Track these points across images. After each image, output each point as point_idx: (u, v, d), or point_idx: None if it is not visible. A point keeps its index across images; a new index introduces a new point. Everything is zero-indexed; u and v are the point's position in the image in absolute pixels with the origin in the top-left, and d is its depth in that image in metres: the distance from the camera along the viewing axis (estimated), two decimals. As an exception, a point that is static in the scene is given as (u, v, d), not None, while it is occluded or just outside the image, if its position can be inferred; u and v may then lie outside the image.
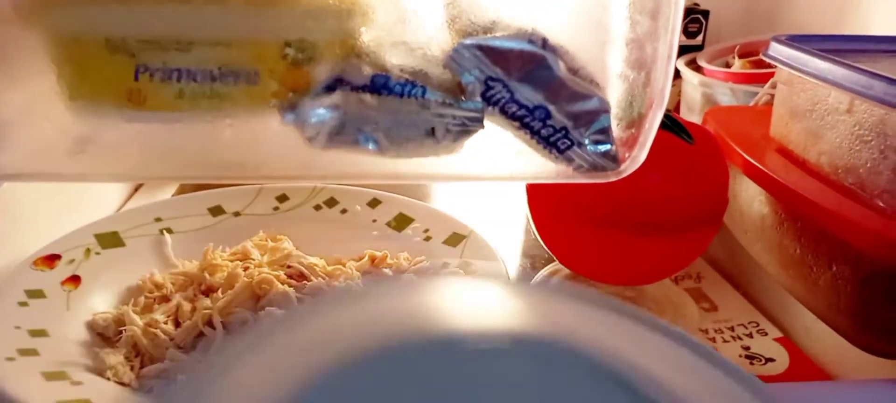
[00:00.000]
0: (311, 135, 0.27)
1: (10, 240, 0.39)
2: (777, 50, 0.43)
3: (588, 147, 0.26)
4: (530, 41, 0.25)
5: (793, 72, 0.41)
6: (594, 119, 0.26)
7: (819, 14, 0.64)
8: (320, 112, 0.27)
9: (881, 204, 0.35)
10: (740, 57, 0.63)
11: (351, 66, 0.27)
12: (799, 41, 0.43)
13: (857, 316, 0.35)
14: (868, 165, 0.35)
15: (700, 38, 0.69)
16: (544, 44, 0.25)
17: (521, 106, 0.25)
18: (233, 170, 0.30)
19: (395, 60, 0.27)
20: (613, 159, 0.27)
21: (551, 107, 0.26)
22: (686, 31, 0.68)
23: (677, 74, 0.66)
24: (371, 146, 0.27)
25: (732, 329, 0.48)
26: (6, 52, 0.28)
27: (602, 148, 0.26)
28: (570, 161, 0.27)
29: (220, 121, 0.29)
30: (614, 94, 0.27)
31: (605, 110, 0.26)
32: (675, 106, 0.69)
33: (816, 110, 0.40)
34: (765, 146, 0.44)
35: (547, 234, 0.43)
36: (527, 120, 0.26)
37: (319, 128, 0.27)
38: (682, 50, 0.69)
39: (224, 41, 0.29)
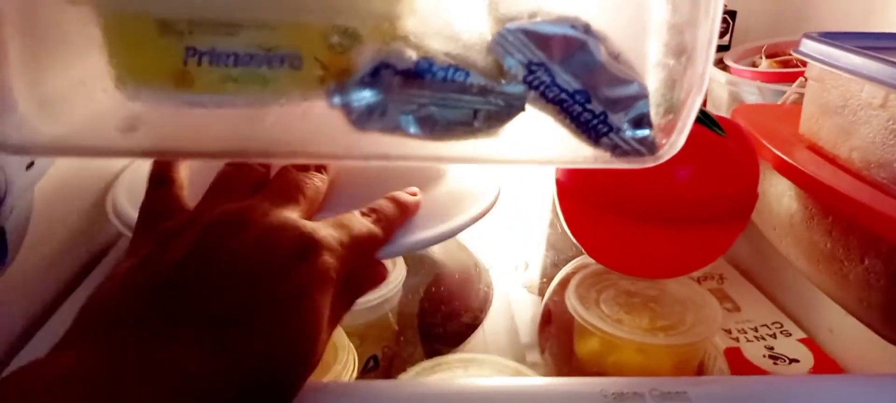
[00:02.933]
0: (355, 117, 0.28)
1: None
2: (809, 46, 0.43)
3: (626, 132, 0.27)
4: (573, 26, 0.26)
5: (825, 68, 0.41)
6: (633, 104, 0.26)
7: (846, 14, 0.64)
8: (365, 95, 0.28)
9: (915, 198, 0.35)
10: (767, 57, 0.63)
11: (395, 51, 0.27)
12: (831, 37, 0.43)
13: (889, 310, 0.35)
14: (902, 160, 0.36)
15: (727, 38, 0.69)
16: (586, 29, 0.26)
17: (561, 90, 0.26)
18: (279, 148, 0.31)
19: (438, 45, 0.28)
20: (651, 145, 0.27)
21: (591, 92, 0.26)
22: (713, 31, 0.69)
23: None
24: (413, 129, 0.28)
25: (755, 329, 0.48)
26: (60, 29, 0.29)
27: (640, 133, 0.27)
28: (608, 146, 0.27)
29: (267, 103, 0.30)
30: (654, 80, 0.27)
31: (644, 96, 0.26)
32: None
33: (849, 106, 0.40)
34: (794, 143, 0.45)
35: (575, 226, 0.43)
36: (567, 104, 0.26)
37: (364, 110, 0.28)
38: (709, 49, 0.69)
39: (270, 24, 0.29)
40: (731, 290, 0.54)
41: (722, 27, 0.68)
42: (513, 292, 0.54)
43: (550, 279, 0.51)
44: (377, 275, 0.31)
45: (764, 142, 0.44)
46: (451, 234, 0.34)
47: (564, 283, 0.46)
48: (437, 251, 0.56)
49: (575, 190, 0.42)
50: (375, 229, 0.30)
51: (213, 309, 0.24)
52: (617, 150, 0.27)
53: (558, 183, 0.43)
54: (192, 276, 0.25)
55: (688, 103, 0.26)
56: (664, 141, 0.27)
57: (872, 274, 0.35)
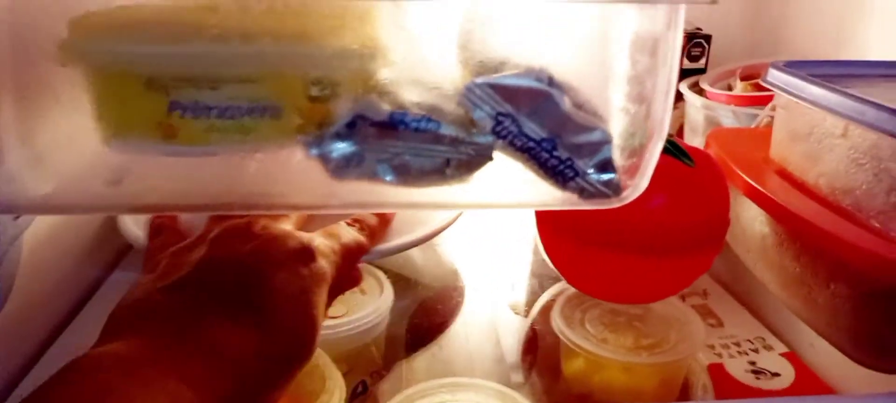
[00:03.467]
0: (333, 166, 0.29)
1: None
2: (775, 76, 0.44)
3: (592, 176, 0.28)
4: (537, 78, 0.27)
5: (790, 97, 0.42)
6: (597, 150, 0.28)
7: (818, 39, 0.66)
8: (342, 146, 0.29)
9: (877, 224, 0.36)
10: (742, 80, 0.65)
11: (370, 103, 0.29)
12: (795, 67, 0.45)
13: (855, 333, 0.36)
14: (864, 187, 0.37)
15: (703, 61, 0.70)
16: (550, 81, 0.27)
17: (528, 139, 0.27)
18: (261, 199, 0.32)
19: (412, 97, 0.29)
20: (616, 187, 0.28)
21: (557, 140, 0.27)
22: (689, 55, 0.70)
23: (680, 97, 0.68)
24: (389, 177, 0.29)
25: (738, 344, 0.49)
26: (50, 88, 0.30)
27: (605, 177, 0.28)
28: (575, 189, 0.28)
29: (247, 153, 0.31)
30: (617, 126, 0.29)
31: (607, 141, 0.28)
32: (678, 129, 0.71)
33: (814, 134, 0.41)
34: (765, 168, 0.46)
35: (555, 255, 0.45)
36: (534, 151, 0.27)
37: (341, 160, 0.29)
38: (685, 73, 0.70)
39: (252, 78, 0.31)
40: (715, 306, 0.55)
41: (697, 51, 0.70)
42: (498, 314, 0.55)
43: (536, 299, 0.52)
44: (356, 278, 0.35)
45: (735, 168, 0.45)
46: (419, 243, 0.38)
47: (550, 304, 0.47)
48: (423, 274, 0.57)
49: (553, 221, 0.43)
50: (361, 237, 0.34)
51: (233, 299, 0.28)
52: (584, 193, 0.28)
53: (538, 214, 0.44)
54: (210, 276, 0.29)
55: (649, 147, 0.27)
56: (628, 182, 0.28)
57: (838, 298, 0.37)
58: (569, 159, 0.28)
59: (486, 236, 0.62)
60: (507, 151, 0.28)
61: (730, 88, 0.64)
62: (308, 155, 0.30)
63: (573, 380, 0.45)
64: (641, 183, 0.28)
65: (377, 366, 0.48)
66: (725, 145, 0.50)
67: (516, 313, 0.55)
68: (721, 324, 0.53)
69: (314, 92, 0.31)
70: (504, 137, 0.27)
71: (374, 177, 0.29)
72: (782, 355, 0.47)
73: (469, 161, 0.28)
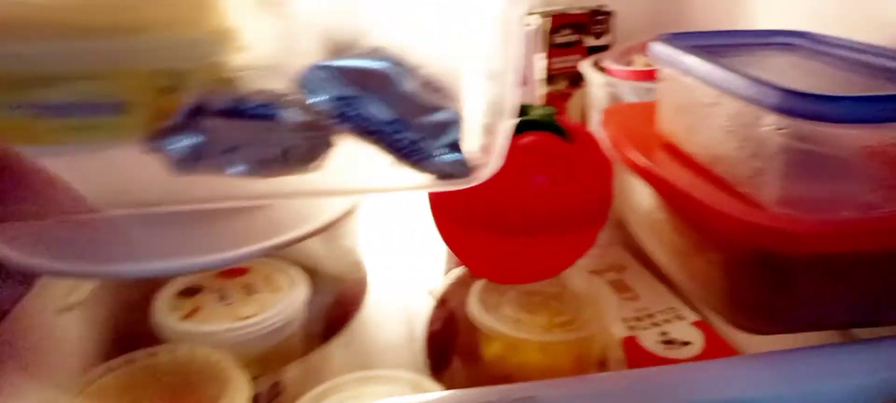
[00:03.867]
0: (176, 161, 0.28)
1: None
2: (656, 49, 0.45)
3: (442, 157, 0.28)
4: (380, 59, 0.26)
5: (669, 70, 0.43)
6: (445, 130, 0.27)
7: (715, 11, 0.67)
8: (182, 138, 0.28)
9: (746, 190, 0.37)
10: (644, 55, 0.65)
11: (212, 92, 0.28)
12: (679, 39, 0.46)
13: (729, 298, 0.37)
14: (733, 155, 0.38)
15: (607, 38, 0.71)
16: (395, 61, 0.26)
17: (373, 121, 0.27)
18: (110, 200, 0.31)
19: (258, 84, 0.28)
20: (465, 167, 0.28)
21: (403, 121, 0.27)
22: (593, 33, 0.71)
23: (581, 79, 0.69)
24: (235, 169, 0.28)
25: (652, 316, 0.50)
26: None
27: (453, 157, 0.28)
28: (427, 171, 0.28)
29: (95, 152, 0.30)
30: (471, 105, 0.28)
31: (455, 121, 0.27)
32: (581, 110, 0.71)
33: (691, 104, 0.42)
34: (655, 142, 0.46)
35: (448, 239, 0.44)
36: (381, 134, 0.27)
37: (183, 154, 0.28)
38: (590, 50, 0.71)
39: (94, 75, 0.29)
40: (631, 280, 0.56)
41: (600, 29, 0.70)
42: (416, 301, 0.54)
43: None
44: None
45: (622, 143, 0.46)
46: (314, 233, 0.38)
47: (468, 287, 0.47)
48: (337, 266, 0.56)
49: (442, 206, 0.42)
50: None
51: None
52: (437, 175, 0.28)
53: (430, 198, 0.44)
54: None
55: (499, 126, 0.27)
56: (483, 162, 0.28)
57: (712, 265, 0.37)
58: (417, 141, 0.27)
59: (402, 221, 0.61)
60: (354, 135, 0.27)
61: (630, 65, 0.65)
62: (151, 149, 0.29)
63: (492, 364, 0.45)
64: (495, 162, 0.28)
65: (292, 365, 0.47)
66: (619, 121, 0.50)
67: (435, 298, 0.54)
68: (636, 298, 0.53)
69: (161, 84, 0.30)
70: (347, 120, 0.26)
71: (220, 170, 0.28)
72: (693, 324, 0.48)
73: (314, 147, 0.27)
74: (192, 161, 0.28)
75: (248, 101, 0.27)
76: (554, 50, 0.70)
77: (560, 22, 0.70)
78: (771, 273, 0.35)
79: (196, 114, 0.27)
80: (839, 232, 0.33)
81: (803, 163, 0.33)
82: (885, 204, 0.34)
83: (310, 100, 0.26)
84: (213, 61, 0.29)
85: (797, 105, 0.31)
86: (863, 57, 0.41)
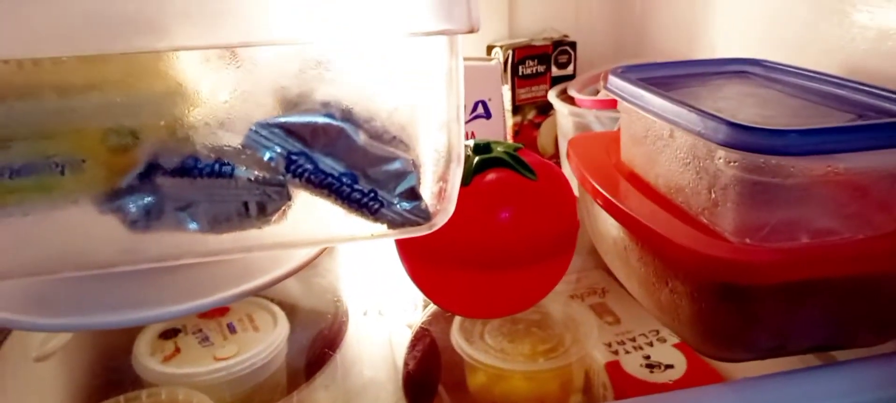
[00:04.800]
0: (131, 220, 0.28)
1: None
2: (613, 82, 0.46)
3: (398, 205, 0.28)
4: (328, 114, 0.27)
5: (626, 103, 0.44)
6: (400, 180, 0.27)
7: (675, 40, 0.68)
8: (137, 197, 0.28)
9: (704, 220, 0.37)
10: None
11: (163, 151, 0.28)
12: (632, 71, 0.47)
13: (695, 327, 0.37)
14: (690, 185, 0.38)
15: (571, 68, 0.72)
16: (342, 115, 0.27)
17: (326, 175, 0.27)
18: (66, 261, 0.30)
19: (212, 141, 0.28)
20: (425, 214, 0.28)
21: (358, 173, 0.27)
22: (557, 63, 0.72)
23: (550, 107, 0.70)
24: (192, 225, 0.28)
25: (634, 339, 0.50)
26: None
27: (411, 205, 0.28)
28: (384, 220, 0.28)
29: (47, 212, 0.30)
30: (423, 154, 0.29)
31: (408, 170, 0.28)
32: (553, 137, 0.72)
33: (649, 136, 0.43)
34: (617, 171, 0.47)
35: (418, 279, 0.44)
36: (335, 187, 0.27)
37: (139, 212, 0.28)
38: (555, 81, 0.72)
39: (47, 134, 0.29)
40: (612, 303, 0.56)
41: (564, 58, 0.71)
42: (395, 337, 0.54)
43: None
44: None
45: (586, 174, 0.46)
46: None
47: (447, 318, 0.47)
48: (318, 302, 0.56)
49: (410, 247, 0.42)
50: None
51: None
52: (393, 223, 0.28)
53: (397, 242, 0.44)
54: None
55: (449, 173, 0.27)
56: (437, 208, 0.28)
57: (676, 294, 0.38)
58: (372, 191, 0.27)
59: (377, 258, 0.61)
60: (308, 189, 0.27)
61: (597, 93, 0.66)
62: (106, 209, 0.28)
63: (477, 394, 0.45)
64: (448, 207, 0.28)
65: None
66: (583, 151, 0.51)
67: (416, 331, 0.54)
68: (618, 321, 0.53)
69: (113, 142, 0.30)
70: (299, 176, 0.26)
71: (177, 227, 0.28)
72: (675, 346, 0.48)
73: (269, 202, 0.27)
74: (147, 219, 0.28)
75: (203, 158, 0.27)
76: (520, 81, 0.71)
77: (524, 54, 0.71)
78: (733, 302, 0.35)
79: (151, 172, 0.27)
80: (796, 260, 0.34)
81: (757, 193, 0.34)
82: (843, 231, 0.35)
83: (263, 156, 0.26)
84: (168, 118, 0.29)
85: (746, 139, 0.31)
86: (813, 84, 0.42)
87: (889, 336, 0.39)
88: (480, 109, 0.60)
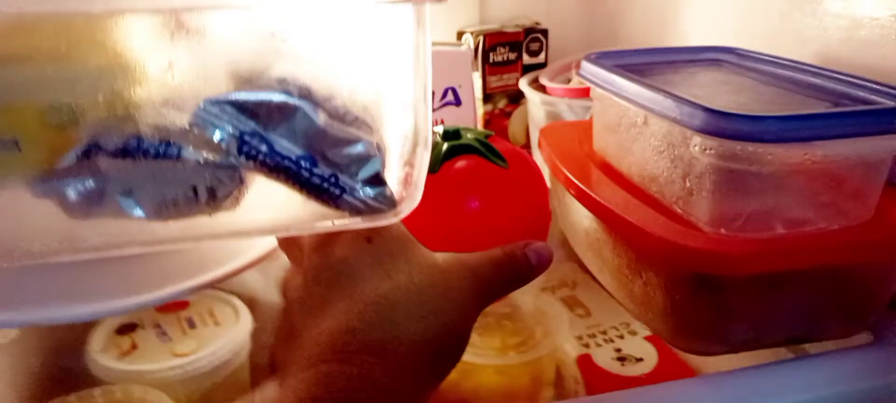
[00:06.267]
0: (70, 205, 0.26)
1: None
2: (586, 68, 0.45)
3: (361, 191, 0.26)
4: (285, 91, 0.25)
5: (599, 89, 0.43)
6: (363, 163, 0.26)
7: (647, 27, 0.67)
8: (76, 180, 0.25)
9: (678, 209, 0.36)
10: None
11: (105, 130, 0.25)
12: (607, 58, 0.45)
13: (667, 319, 0.37)
14: (665, 174, 0.37)
15: (542, 56, 0.71)
16: (300, 92, 0.25)
17: (282, 157, 0.25)
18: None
19: (156, 120, 0.26)
20: (389, 200, 0.26)
21: (317, 156, 0.25)
22: (528, 51, 0.70)
23: (522, 95, 0.68)
24: (137, 211, 0.26)
25: (605, 332, 0.49)
26: None
27: (375, 191, 0.26)
28: (346, 206, 0.26)
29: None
30: (389, 137, 0.27)
31: (372, 154, 0.26)
32: (525, 127, 0.71)
33: (622, 124, 0.42)
34: (589, 161, 0.46)
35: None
36: (292, 171, 0.25)
37: (77, 196, 0.25)
38: (526, 69, 0.71)
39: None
40: (583, 296, 0.55)
41: (536, 46, 0.70)
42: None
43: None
44: None
45: (558, 163, 0.45)
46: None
47: None
48: (273, 295, 0.54)
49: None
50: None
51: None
52: (356, 210, 0.26)
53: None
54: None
55: (415, 158, 0.26)
56: (403, 194, 0.27)
57: (649, 286, 0.37)
58: (332, 176, 0.25)
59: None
60: (262, 173, 0.25)
61: (569, 81, 0.65)
62: (43, 193, 0.26)
63: (447, 388, 0.44)
64: (415, 194, 0.26)
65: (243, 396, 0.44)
66: (555, 141, 0.49)
67: None
68: (589, 313, 0.52)
69: (53, 119, 0.27)
70: (253, 158, 0.24)
71: (120, 213, 0.26)
72: (646, 338, 0.47)
73: (216, 186, 0.25)
74: (88, 204, 0.26)
75: (147, 138, 0.25)
76: (491, 68, 0.70)
77: (495, 41, 0.69)
78: (707, 294, 0.34)
79: (90, 153, 0.25)
80: (772, 250, 0.33)
81: (732, 181, 0.33)
82: (817, 220, 0.34)
83: (212, 136, 0.24)
84: (106, 93, 0.27)
85: (722, 125, 0.30)
86: (787, 72, 0.42)
87: (858, 328, 0.38)
88: (450, 96, 0.58)
